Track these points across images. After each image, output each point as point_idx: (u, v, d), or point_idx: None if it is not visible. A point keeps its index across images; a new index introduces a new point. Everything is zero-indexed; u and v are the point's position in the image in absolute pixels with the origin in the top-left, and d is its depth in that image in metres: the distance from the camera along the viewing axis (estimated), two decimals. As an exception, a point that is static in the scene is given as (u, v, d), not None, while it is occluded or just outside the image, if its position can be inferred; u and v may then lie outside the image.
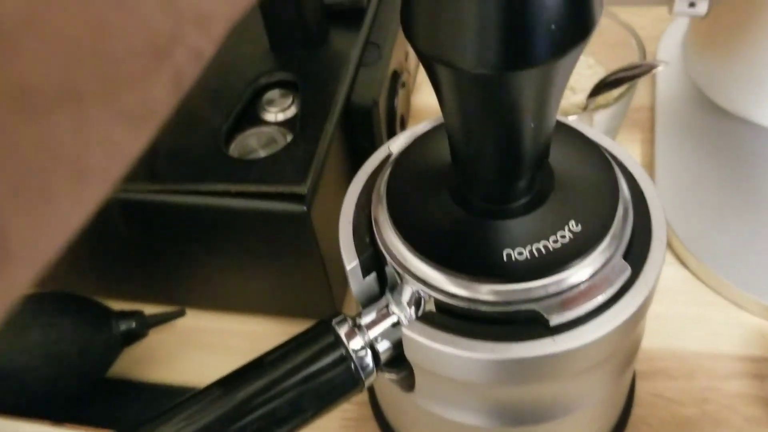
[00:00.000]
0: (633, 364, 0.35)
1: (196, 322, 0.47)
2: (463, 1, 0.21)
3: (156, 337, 0.45)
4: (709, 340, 0.43)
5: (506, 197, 0.29)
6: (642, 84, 0.57)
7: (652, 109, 0.56)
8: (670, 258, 0.47)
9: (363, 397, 0.43)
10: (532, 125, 0.26)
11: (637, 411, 0.41)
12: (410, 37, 0.24)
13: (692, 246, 0.46)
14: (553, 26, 0.22)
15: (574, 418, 0.33)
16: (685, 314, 0.45)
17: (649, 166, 0.52)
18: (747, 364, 0.42)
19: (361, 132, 0.44)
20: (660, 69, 0.35)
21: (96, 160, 0.11)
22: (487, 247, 0.28)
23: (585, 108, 0.40)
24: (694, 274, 0.46)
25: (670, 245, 0.48)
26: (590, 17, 0.23)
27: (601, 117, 0.39)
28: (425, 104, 0.58)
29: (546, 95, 0.25)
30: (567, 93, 0.45)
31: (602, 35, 0.48)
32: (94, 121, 0.11)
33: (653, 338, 0.43)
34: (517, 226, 0.29)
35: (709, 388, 0.41)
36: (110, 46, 0.11)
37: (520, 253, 0.28)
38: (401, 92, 0.48)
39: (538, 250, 0.28)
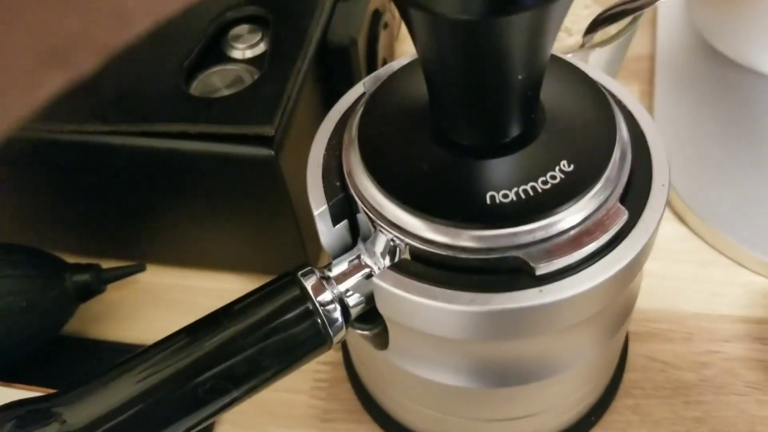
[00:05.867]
0: (627, 324, 0.32)
1: (159, 278, 0.44)
2: None
3: (115, 293, 0.42)
4: (709, 301, 0.40)
5: (490, 136, 0.26)
6: (641, 32, 0.54)
7: (651, 59, 0.53)
8: (668, 214, 0.44)
9: (336, 357, 0.40)
10: (520, 76, 0.23)
11: (630, 375, 0.38)
12: None
13: (692, 202, 0.43)
14: None
15: (561, 380, 0.30)
16: (683, 273, 0.42)
17: (647, 119, 0.48)
18: (749, 326, 0.39)
19: (338, 74, 0.40)
20: (663, 0, 0.32)
21: None
22: (468, 189, 0.25)
23: (582, 46, 0.36)
24: (693, 231, 0.43)
25: (668, 200, 0.45)
26: None
27: (598, 57, 0.36)
28: (412, 52, 0.54)
29: (536, 43, 0.22)
30: (561, 35, 0.41)
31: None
32: None
33: (649, 298, 0.40)
34: (502, 165, 0.25)
35: (709, 351, 0.38)
36: None
37: (505, 196, 0.25)
38: (383, 34, 0.44)
39: (525, 192, 0.25)
